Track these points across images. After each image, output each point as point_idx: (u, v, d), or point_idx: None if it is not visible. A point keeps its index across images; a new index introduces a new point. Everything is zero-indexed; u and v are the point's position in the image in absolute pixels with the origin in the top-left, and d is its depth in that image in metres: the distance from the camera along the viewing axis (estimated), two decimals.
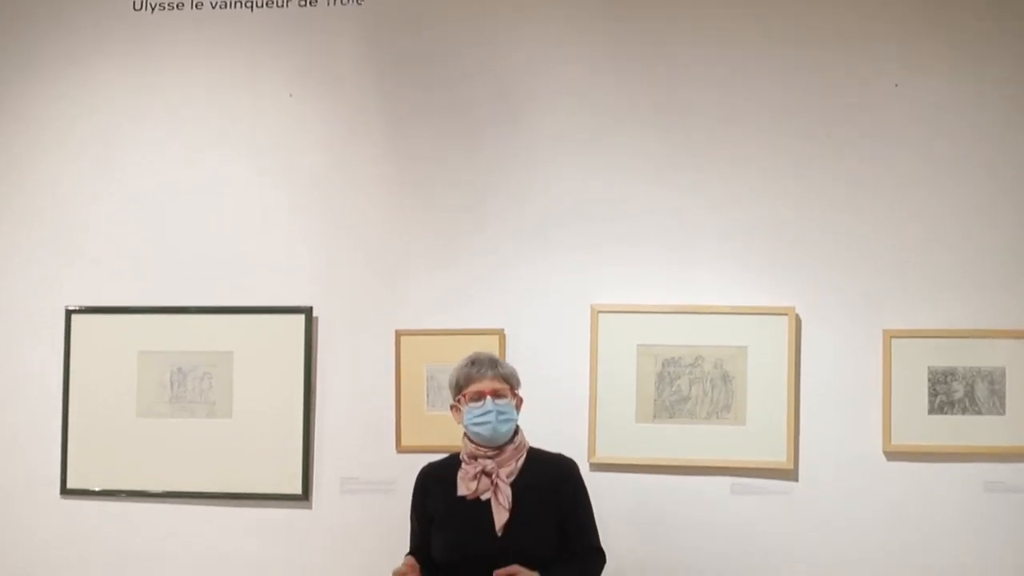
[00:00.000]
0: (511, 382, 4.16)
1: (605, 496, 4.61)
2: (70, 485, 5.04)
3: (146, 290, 5.06)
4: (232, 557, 4.93)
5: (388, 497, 4.71)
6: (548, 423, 4.64)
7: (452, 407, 4.19)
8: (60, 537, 5.05)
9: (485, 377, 4.10)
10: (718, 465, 4.67)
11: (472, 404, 4.10)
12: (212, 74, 5.12)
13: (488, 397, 4.07)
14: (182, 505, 4.98)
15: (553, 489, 4.12)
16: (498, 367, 4.14)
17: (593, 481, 4.53)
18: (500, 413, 4.07)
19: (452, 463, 4.21)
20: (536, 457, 4.19)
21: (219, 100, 5.10)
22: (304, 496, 4.89)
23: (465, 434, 4.16)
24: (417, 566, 4.02)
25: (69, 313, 5.07)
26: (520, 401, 4.18)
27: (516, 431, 4.16)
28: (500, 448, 4.11)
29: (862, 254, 4.68)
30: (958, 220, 4.65)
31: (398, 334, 4.85)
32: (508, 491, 4.06)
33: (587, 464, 4.69)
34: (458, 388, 4.15)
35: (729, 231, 4.74)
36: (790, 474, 4.64)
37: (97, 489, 5.03)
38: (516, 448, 4.14)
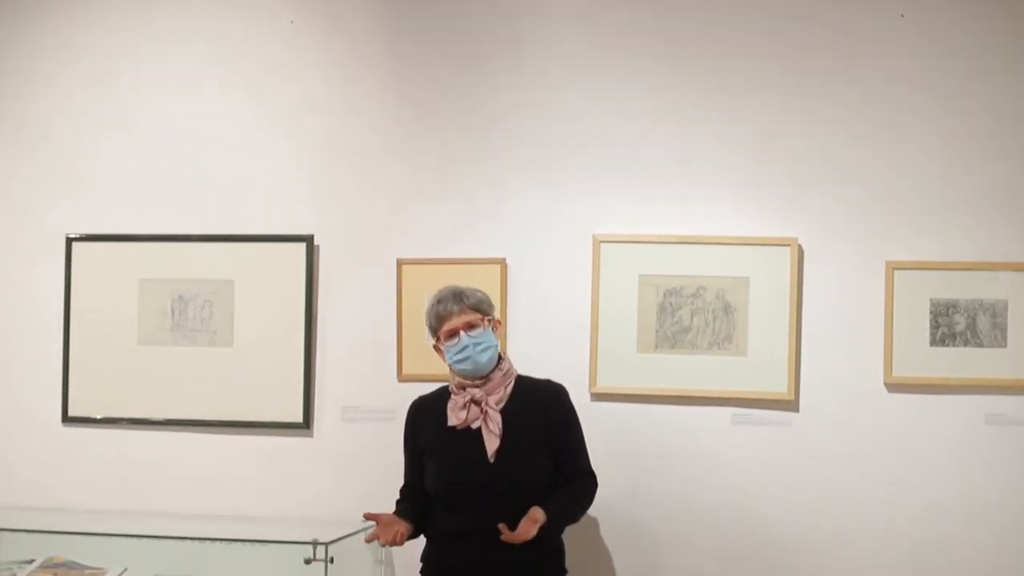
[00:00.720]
0: (482, 309, 4.16)
1: (605, 426, 4.68)
2: (71, 413, 5.05)
3: (147, 218, 5.05)
4: (233, 485, 4.95)
5: (389, 426, 4.67)
6: (549, 353, 4.70)
7: (435, 348, 4.21)
8: (61, 465, 5.07)
9: (453, 314, 4.12)
10: (719, 396, 4.66)
11: (449, 343, 4.12)
12: (212, 0, 5.08)
13: (461, 332, 4.09)
14: (183, 433, 4.99)
15: (543, 414, 4.16)
16: (463, 299, 4.15)
17: (593, 411, 4.64)
18: (477, 344, 4.09)
19: (441, 395, 4.25)
20: (525, 384, 4.22)
21: (219, 26, 5.06)
22: (305, 424, 4.90)
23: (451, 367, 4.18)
24: (397, 523, 4.06)
25: (69, 241, 5.06)
26: (497, 324, 4.21)
27: (501, 358, 4.19)
28: (487, 376, 4.14)
29: (865, 186, 4.65)
30: (963, 152, 4.62)
31: (399, 263, 4.84)
32: (498, 418, 4.10)
33: (588, 394, 4.70)
34: (433, 330, 4.18)
35: (732, 162, 4.71)
36: (791, 405, 4.63)
37: (98, 417, 5.04)
38: (504, 375, 4.17)
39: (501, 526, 3.87)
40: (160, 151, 5.06)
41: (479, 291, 4.23)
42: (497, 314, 4.28)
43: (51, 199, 5.13)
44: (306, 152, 4.98)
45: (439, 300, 4.16)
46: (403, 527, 4.05)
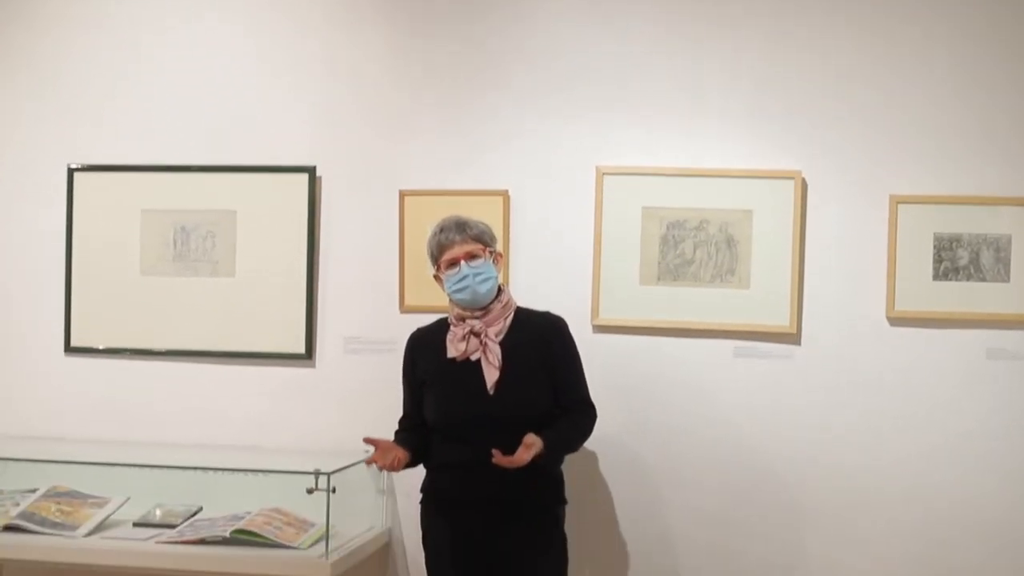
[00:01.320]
0: (483, 240, 4.16)
1: (606, 358, 4.69)
2: (74, 343, 5.06)
3: (149, 148, 5.03)
4: (235, 415, 4.96)
5: (391, 357, 4.62)
6: (551, 285, 4.71)
7: (435, 277, 4.20)
8: (64, 395, 5.07)
9: (455, 243, 4.12)
10: (721, 329, 4.66)
11: (449, 272, 4.12)
12: None
13: (462, 262, 4.09)
14: (186, 363, 5.00)
15: (542, 345, 4.16)
16: (466, 229, 4.14)
17: (595, 343, 4.65)
18: (477, 275, 4.09)
19: (441, 327, 4.25)
20: (524, 316, 4.22)
21: None
22: (307, 355, 4.91)
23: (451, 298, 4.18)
24: (395, 449, 4.08)
25: (71, 171, 5.04)
26: (498, 256, 4.20)
27: (501, 290, 4.18)
28: (486, 308, 4.14)
29: (870, 119, 4.62)
30: (969, 86, 4.58)
31: (402, 194, 4.82)
32: (497, 350, 4.10)
33: (590, 326, 4.70)
34: (434, 259, 4.17)
35: (737, 95, 4.69)
36: (793, 338, 4.63)
37: (100, 347, 5.05)
38: (503, 307, 4.17)
39: (495, 451, 3.87)
40: (162, 82, 5.04)
41: (482, 223, 4.22)
42: (499, 247, 4.26)
43: (53, 129, 5.10)
44: (309, 83, 4.95)
45: (441, 229, 4.15)
46: (401, 453, 4.08)
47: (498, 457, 3.87)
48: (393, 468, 4.08)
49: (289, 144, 4.94)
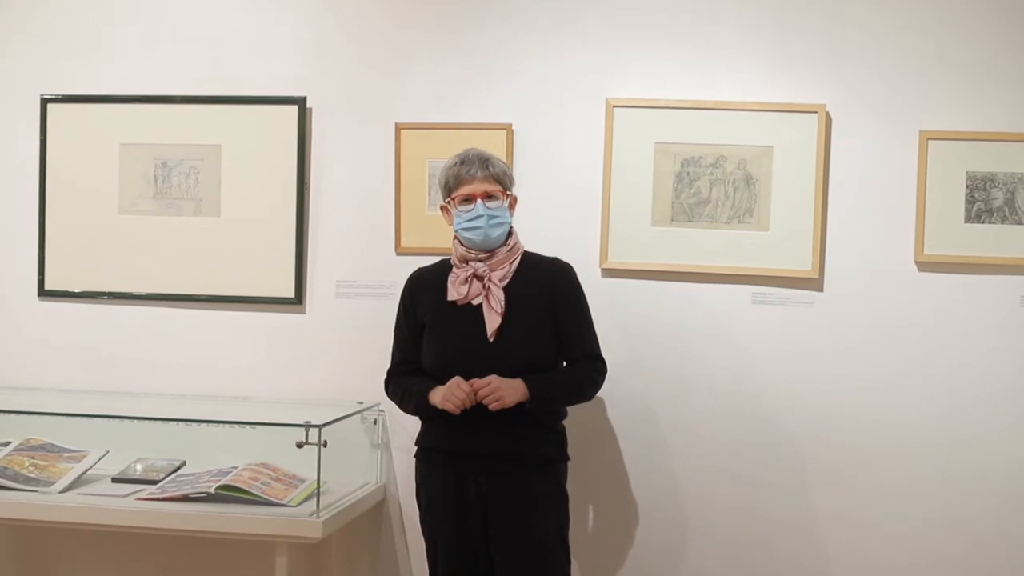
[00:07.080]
0: (503, 182, 4.07)
1: (617, 304, 4.61)
2: (48, 286, 4.96)
3: (128, 77, 4.89)
4: (221, 363, 4.87)
5: (386, 301, 4.52)
6: (558, 226, 4.62)
7: (442, 208, 4.14)
8: (38, 341, 4.97)
9: (475, 178, 4.01)
10: (738, 273, 4.56)
11: (462, 208, 4.03)
12: None
13: (479, 200, 4.00)
14: (167, 308, 4.89)
15: (548, 293, 4.09)
16: (489, 166, 4.04)
17: (605, 288, 4.64)
18: (491, 217, 4.01)
19: (443, 267, 4.17)
20: (531, 261, 4.14)
21: None
22: (297, 300, 4.81)
23: (456, 237, 4.10)
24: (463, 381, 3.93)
25: (45, 102, 4.92)
26: (514, 201, 4.13)
27: (510, 233, 4.10)
28: (492, 251, 4.07)
29: (899, 49, 4.49)
30: (1005, 13, 4.44)
31: (398, 128, 4.69)
32: (501, 295, 4.02)
33: (599, 270, 4.62)
34: (447, 190, 4.09)
35: (757, 22, 4.55)
36: (815, 283, 4.54)
37: (77, 291, 4.95)
38: (510, 251, 4.09)
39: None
40: (144, 5, 4.88)
41: (504, 162, 4.15)
42: (516, 191, 4.14)
43: (25, 56, 4.95)
44: (299, 7, 4.81)
45: (463, 161, 4.04)
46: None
47: (476, 382, 3.85)
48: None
49: (278, 73, 4.80)
